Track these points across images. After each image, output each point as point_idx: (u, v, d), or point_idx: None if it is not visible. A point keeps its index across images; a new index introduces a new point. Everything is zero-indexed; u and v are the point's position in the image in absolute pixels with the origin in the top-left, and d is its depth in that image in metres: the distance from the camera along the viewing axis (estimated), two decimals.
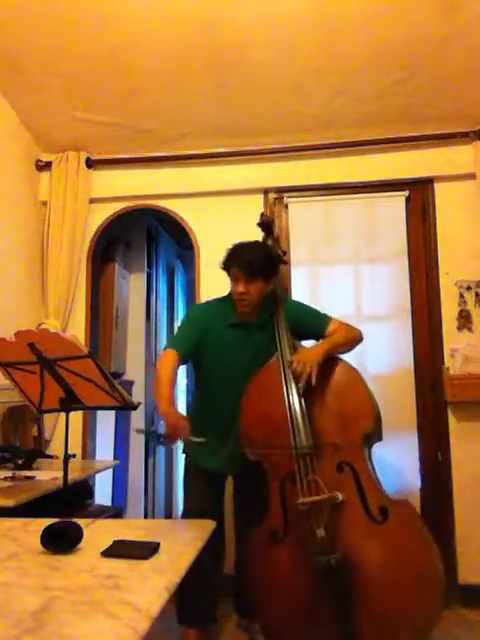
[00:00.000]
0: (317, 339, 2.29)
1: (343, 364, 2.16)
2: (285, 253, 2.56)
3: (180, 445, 2.22)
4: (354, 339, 2.28)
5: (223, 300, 2.34)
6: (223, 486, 2.34)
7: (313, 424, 2.03)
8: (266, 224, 2.50)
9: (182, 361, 2.21)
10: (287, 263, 2.71)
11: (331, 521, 1.88)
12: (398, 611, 1.78)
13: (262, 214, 2.53)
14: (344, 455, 1.98)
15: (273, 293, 2.30)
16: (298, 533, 1.92)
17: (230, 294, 2.29)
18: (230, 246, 2.27)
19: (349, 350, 2.26)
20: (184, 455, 2.38)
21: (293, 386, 2.09)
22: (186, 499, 2.33)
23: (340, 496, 1.89)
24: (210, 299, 2.45)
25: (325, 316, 2.33)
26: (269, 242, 2.46)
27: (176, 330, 2.38)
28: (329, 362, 2.13)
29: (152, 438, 3.84)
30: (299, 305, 2.45)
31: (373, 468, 2.05)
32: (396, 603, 1.78)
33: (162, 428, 2.02)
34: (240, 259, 2.19)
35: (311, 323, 2.32)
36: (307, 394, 2.07)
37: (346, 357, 2.22)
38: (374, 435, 2.07)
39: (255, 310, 2.26)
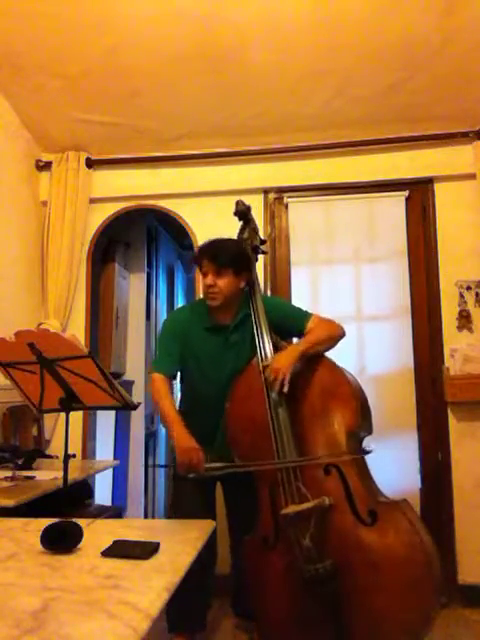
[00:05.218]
0: (298, 337, 2.23)
1: (324, 361, 2.08)
2: (264, 241, 2.43)
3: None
4: (333, 337, 2.17)
5: (200, 303, 2.31)
6: (214, 490, 2.29)
7: (296, 431, 1.97)
8: (242, 213, 2.35)
9: (172, 379, 2.22)
10: (266, 253, 2.59)
11: (319, 526, 1.83)
12: (389, 615, 1.76)
13: (237, 202, 2.35)
14: (330, 457, 1.93)
15: (250, 291, 2.24)
16: (288, 540, 1.89)
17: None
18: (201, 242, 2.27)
19: (329, 348, 2.16)
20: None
21: (272, 394, 2.01)
22: (175, 506, 2.26)
23: (328, 500, 1.84)
24: (189, 303, 2.40)
25: (303, 314, 2.25)
26: (246, 233, 2.36)
27: (157, 344, 2.34)
28: (309, 361, 2.06)
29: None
30: (276, 304, 2.39)
31: (363, 466, 2.00)
32: (386, 608, 1.75)
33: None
34: (209, 251, 2.17)
35: (289, 323, 2.24)
36: (287, 399, 2.00)
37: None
38: (361, 431, 2.02)
39: (230, 311, 2.22)
